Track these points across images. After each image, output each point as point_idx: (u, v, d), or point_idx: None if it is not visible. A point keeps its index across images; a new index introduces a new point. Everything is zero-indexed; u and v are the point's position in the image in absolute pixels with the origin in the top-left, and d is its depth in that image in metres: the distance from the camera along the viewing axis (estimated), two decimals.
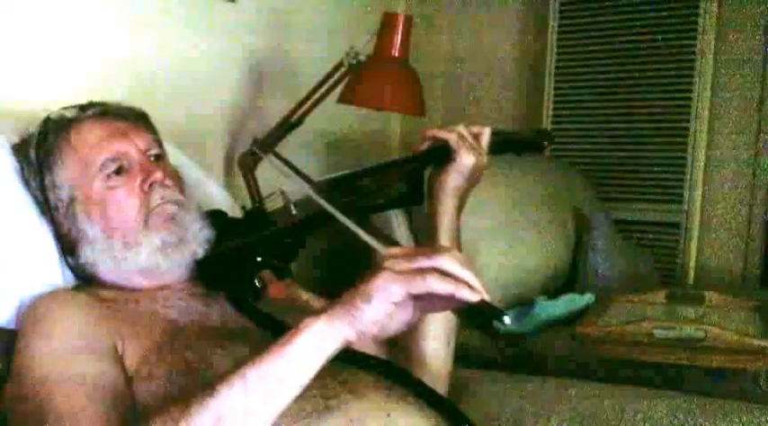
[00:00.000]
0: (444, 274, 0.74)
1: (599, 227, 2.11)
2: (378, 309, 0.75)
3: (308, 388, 0.79)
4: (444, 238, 1.13)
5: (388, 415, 0.88)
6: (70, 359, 0.91)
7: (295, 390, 0.77)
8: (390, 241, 0.85)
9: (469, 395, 1.27)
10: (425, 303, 0.77)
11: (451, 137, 1.12)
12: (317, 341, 0.76)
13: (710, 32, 2.31)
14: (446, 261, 0.74)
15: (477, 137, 1.14)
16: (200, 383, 0.90)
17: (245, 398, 0.76)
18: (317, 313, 0.78)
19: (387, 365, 0.96)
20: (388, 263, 0.76)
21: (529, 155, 2.18)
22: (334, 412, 0.86)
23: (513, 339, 1.75)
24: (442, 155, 1.12)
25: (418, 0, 2.67)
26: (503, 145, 1.20)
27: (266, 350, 0.77)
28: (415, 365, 1.10)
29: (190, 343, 0.95)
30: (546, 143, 1.42)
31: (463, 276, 0.74)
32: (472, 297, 0.73)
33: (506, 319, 0.73)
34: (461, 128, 1.13)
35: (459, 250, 1.14)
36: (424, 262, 0.75)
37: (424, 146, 1.14)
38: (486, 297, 0.74)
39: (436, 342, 1.13)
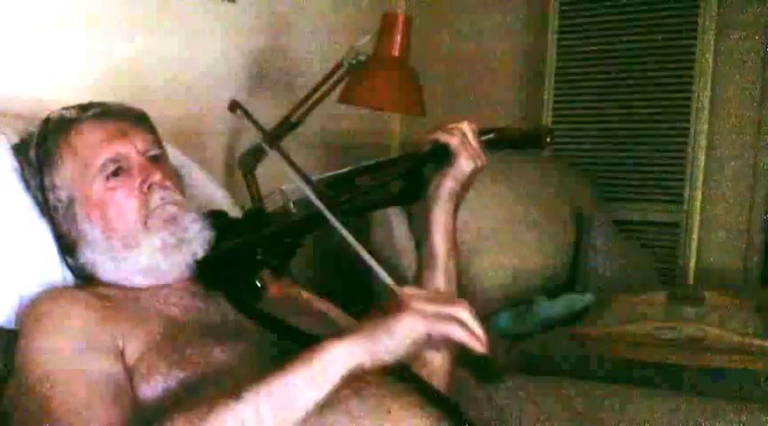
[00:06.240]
0: (461, 323, 0.81)
1: (599, 227, 2.11)
2: (399, 344, 0.82)
3: None
4: (440, 239, 1.13)
5: (389, 412, 0.89)
6: (73, 356, 0.92)
7: (311, 404, 0.82)
8: (399, 278, 0.91)
9: (470, 395, 1.27)
10: (433, 341, 0.83)
11: (452, 142, 1.10)
12: (336, 363, 0.82)
13: (710, 32, 2.31)
14: (465, 314, 0.82)
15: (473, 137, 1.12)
16: (199, 381, 0.90)
17: (268, 406, 0.81)
18: (339, 335, 0.84)
19: None
20: (413, 304, 0.82)
21: (529, 154, 2.21)
22: (336, 407, 0.86)
23: (513, 339, 1.75)
24: (441, 155, 1.11)
25: (418, 0, 2.67)
26: (501, 141, 1.19)
27: (290, 363, 0.83)
28: (416, 363, 1.10)
29: (190, 341, 0.95)
30: (548, 139, 1.40)
31: (476, 330, 0.81)
32: (482, 350, 0.81)
33: (502, 383, 0.79)
34: (461, 131, 1.11)
35: (456, 249, 1.15)
36: (446, 309, 0.82)
37: (425, 148, 1.13)
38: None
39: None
